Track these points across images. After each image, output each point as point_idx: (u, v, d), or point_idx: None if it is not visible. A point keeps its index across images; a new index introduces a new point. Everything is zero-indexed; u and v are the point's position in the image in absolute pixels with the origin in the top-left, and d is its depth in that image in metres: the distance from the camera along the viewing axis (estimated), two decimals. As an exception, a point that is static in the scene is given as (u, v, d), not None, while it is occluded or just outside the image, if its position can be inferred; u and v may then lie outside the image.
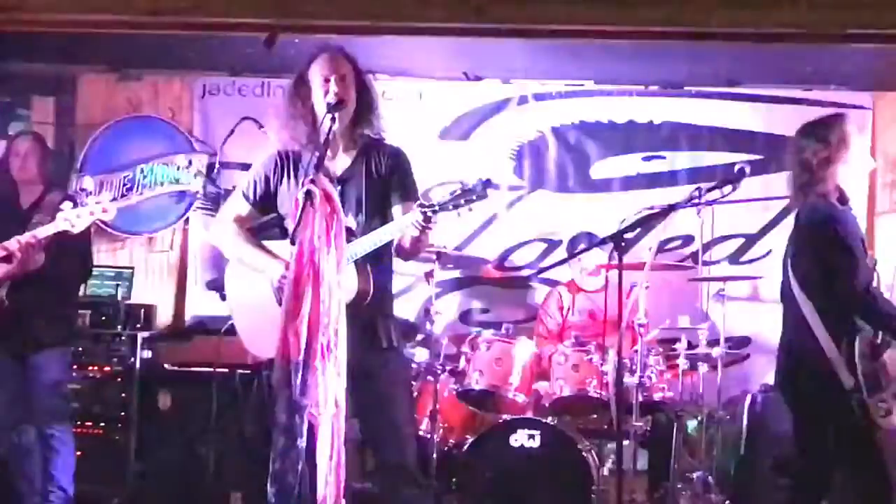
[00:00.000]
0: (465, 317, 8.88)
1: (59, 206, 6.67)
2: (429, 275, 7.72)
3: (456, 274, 8.80)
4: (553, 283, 8.59)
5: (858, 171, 6.01)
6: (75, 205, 6.60)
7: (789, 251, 6.07)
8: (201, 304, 8.97)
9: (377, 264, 5.39)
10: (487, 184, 5.09)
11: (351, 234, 5.23)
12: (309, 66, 5.45)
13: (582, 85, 8.86)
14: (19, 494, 6.98)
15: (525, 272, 8.92)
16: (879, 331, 5.75)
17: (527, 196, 8.94)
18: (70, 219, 6.48)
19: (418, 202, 5.12)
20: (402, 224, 5.20)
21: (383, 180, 5.41)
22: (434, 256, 7.54)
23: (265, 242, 5.59)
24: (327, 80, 5.36)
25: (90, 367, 7.86)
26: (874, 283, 5.89)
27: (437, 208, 5.04)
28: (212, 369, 7.73)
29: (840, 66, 8.13)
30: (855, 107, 8.37)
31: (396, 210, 5.33)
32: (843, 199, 5.88)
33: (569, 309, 8.18)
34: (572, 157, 8.89)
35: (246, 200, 5.61)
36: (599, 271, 7.97)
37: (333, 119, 5.30)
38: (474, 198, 5.06)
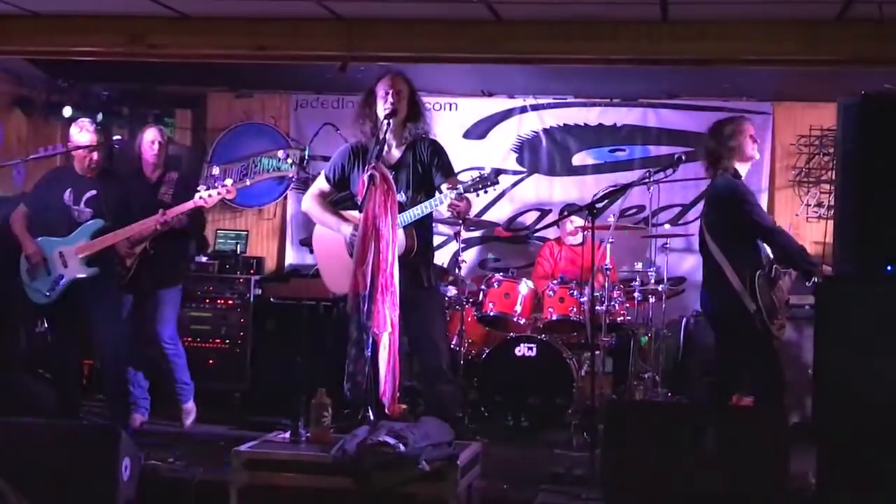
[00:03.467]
0: (482, 263, 8.81)
1: (175, 181, 6.79)
2: (457, 234, 7.68)
3: (477, 233, 8.75)
4: (545, 240, 8.55)
5: (748, 145, 5.96)
6: (207, 187, 6.65)
7: (704, 215, 6.06)
8: (295, 255, 8.96)
9: (421, 227, 5.40)
10: (498, 173, 5.27)
11: (401, 207, 5.23)
12: (376, 83, 5.43)
13: (565, 98, 8.79)
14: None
15: (525, 232, 8.88)
16: (781, 256, 5.73)
17: (526, 178, 8.86)
18: (204, 197, 6.54)
19: (448, 185, 5.14)
20: (437, 201, 5.21)
21: (426, 165, 5.40)
22: (460, 221, 7.50)
23: (342, 211, 5.60)
24: (387, 94, 5.34)
25: (218, 301, 7.86)
26: None
27: (461, 190, 5.09)
28: (303, 301, 7.77)
29: (748, 82, 8.05)
30: (760, 112, 8.28)
31: (442, 184, 5.29)
32: (736, 175, 5.89)
33: (557, 257, 8.13)
34: (559, 150, 8.80)
35: (327, 181, 5.61)
36: (578, 231, 7.93)
37: (389, 123, 5.29)
38: (489, 183, 5.14)
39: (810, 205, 8.44)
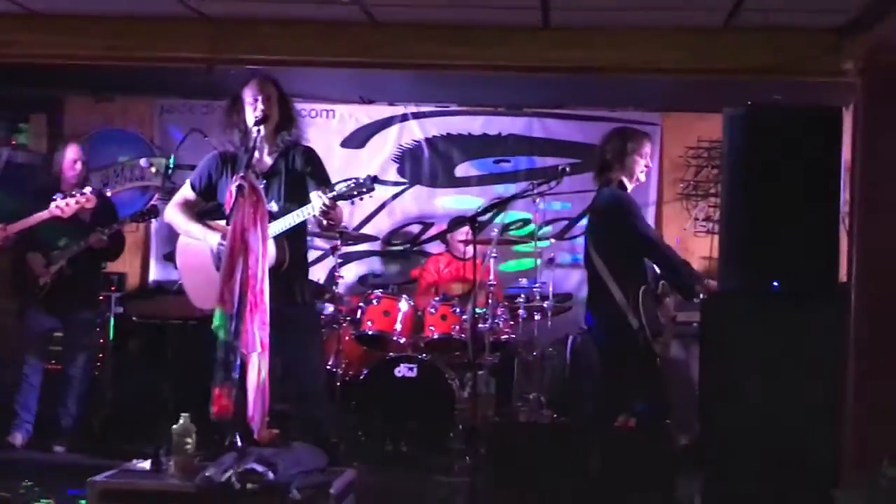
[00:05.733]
0: (361, 280, 8.81)
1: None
2: (334, 248, 7.65)
3: (355, 248, 8.71)
4: (427, 255, 8.56)
5: (640, 167, 6.09)
6: (64, 196, 6.54)
7: (589, 228, 6.16)
8: (160, 271, 8.85)
9: (294, 239, 5.35)
10: (375, 179, 5.17)
11: (272, 217, 5.17)
12: (242, 89, 5.38)
13: (448, 106, 8.82)
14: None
15: (405, 246, 8.88)
16: (665, 271, 5.84)
17: (407, 189, 8.87)
18: (61, 206, 6.47)
19: (320, 193, 5.10)
20: (309, 208, 5.17)
21: (299, 173, 5.36)
22: (338, 234, 7.45)
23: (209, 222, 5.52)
24: (255, 100, 5.30)
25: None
26: None
27: (335, 196, 5.05)
28: (168, 320, 7.63)
29: (637, 93, 8.19)
30: (648, 123, 8.39)
31: (314, 193, 5.21)
32: (622, 187, 6.01)
33: (443, 271, 8.14)
34: (441, 160, 8.84)
35: (193, 189, 5.54)
36: (460, 245, 7.95)
37: (259, 130, 5.25)
38: (364, 189, 5.09)
39: (698, 219, 8.61)
